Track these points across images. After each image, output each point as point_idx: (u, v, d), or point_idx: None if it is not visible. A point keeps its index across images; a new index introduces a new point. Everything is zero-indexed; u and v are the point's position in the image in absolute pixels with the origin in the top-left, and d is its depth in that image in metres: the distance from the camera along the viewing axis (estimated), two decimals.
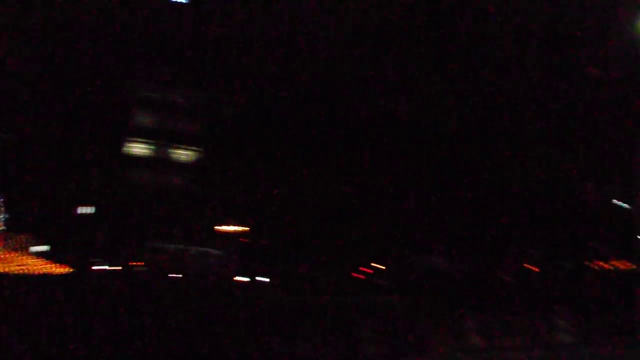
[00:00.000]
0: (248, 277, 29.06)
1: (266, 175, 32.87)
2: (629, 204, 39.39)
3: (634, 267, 30.37)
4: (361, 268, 32.03)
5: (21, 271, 23.88)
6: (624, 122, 31.57)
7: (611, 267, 32.05)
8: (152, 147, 31.53)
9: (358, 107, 33.64)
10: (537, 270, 33.35)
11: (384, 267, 32.33)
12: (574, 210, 34.78)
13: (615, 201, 38.16)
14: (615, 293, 22.49)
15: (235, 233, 31.38)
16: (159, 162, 31.65)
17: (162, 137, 31.80)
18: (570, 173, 36.02)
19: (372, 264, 32.57)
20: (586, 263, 33.30)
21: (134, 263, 27.64)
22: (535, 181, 34.91)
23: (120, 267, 26.88)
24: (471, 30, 30.78)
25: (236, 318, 13.37)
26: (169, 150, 32.09)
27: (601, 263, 33.99)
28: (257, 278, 29.30)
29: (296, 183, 33.28)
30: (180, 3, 28.31)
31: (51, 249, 27.66)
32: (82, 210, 29.93)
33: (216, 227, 30.98)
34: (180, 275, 27.17)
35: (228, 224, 31.24)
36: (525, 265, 32.81)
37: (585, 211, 35.53)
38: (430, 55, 32.24)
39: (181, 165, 32.23)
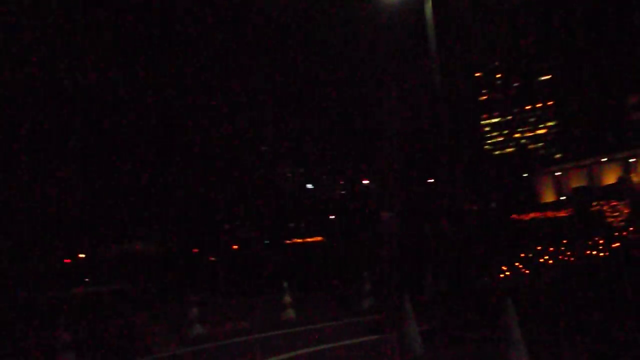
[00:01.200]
0: None
1: None
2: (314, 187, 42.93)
3: (328, 241, 32.81)
4: (65, 260, 28.53)
5: None
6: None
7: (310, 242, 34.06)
8: None
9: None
10: (239, 249, 33.90)
11: (86, 256, 29.21)
12: (275, 194, 36.45)
13: (307, 185, 41.31)
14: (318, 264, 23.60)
15: None
16: None
17: None
18: (270, 160, 38.08)
19: (77, 254, 29.20)
20: (286, 241, 34.84)
21: None
22: (237, 167, 35.74)
23: None
24: None
25: None
26: None
27: (298, 240, 36.08)
28: None
29: None
30: None
31: None
32: None
33: None
34: None
35: None
36: (231, 246, 32.86)
37: (284, 195, 37.54)
38: None
39: None
